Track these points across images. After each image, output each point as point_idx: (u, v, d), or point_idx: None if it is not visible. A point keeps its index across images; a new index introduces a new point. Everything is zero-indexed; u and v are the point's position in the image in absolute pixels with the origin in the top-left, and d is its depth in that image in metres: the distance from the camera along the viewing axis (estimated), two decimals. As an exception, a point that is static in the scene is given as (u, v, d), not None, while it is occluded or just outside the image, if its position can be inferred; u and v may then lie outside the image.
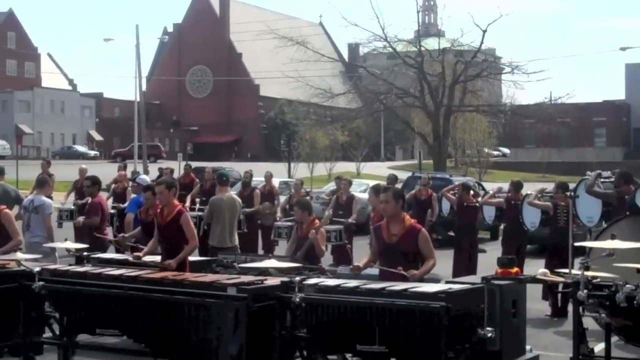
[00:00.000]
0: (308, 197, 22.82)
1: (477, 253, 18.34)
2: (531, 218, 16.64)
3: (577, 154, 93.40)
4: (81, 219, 15.96)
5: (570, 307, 14.04)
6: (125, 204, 18.22)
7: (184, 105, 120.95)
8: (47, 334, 11.09)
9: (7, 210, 12.71)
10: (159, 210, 11.64)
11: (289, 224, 19.24)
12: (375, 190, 12.17)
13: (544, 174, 78.54)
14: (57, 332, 10.95)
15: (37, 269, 10.61)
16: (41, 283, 10.40)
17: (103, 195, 16.28)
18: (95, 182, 15.45)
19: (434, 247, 10.18)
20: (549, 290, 15.11)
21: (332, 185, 33.70)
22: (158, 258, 11.76)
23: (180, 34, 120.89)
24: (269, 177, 23.49)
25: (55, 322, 10.99)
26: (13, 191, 15.84)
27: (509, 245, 16.98)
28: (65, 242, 13.11)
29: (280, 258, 12.00)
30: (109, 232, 15.72)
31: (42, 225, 14.24)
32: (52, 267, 11.18)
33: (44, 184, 15.09)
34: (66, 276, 10.72)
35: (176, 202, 11.85)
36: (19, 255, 11.23)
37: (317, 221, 13.11)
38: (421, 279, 9.79)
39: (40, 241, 13.93)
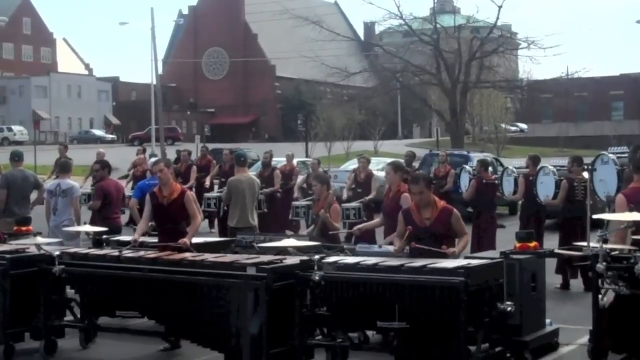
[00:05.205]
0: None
1: (495, 229, 18.31)
2: (545, 191, 16.60)
3: (594, 128, 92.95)
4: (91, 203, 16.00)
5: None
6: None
7: (200, 87, 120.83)
8: (68, 317, 11.18)
9: None
10: (157, 190, 11.54)
11: (307, 203, 19.28)
12: (395, 167, 12.03)
13: (562, 148, 78.22)
14: (78, 315, 11.03)
15: (57, 252, 10.68)
16: (61, 266, 10.46)
17: (121, 179, 16.27)
18: (104, 165, 15.40)
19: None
20: (568, 263, 15.10)
21: (350, 164, 33.77)
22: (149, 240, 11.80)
23: (196, 16, 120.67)
24: (290, 157, 23.77)
25: (76, 305, 11.07)
26: (32, 176, 15.89)
27: (527, 220, 16.95)
28: (85, 226, 13.16)
29: (299, 237, 12.02)
30: (122, 217, 15.68)
31: (70, 208, 14.32)
32: (72, 250, 11.25)
33: (69, 168, 15.23)
34: (86, 259, 10.80)
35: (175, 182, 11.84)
36: (39, 239, 11.29)
37: (329, 196, 13.07)
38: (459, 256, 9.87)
39: (68, 224, 13.99)
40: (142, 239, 11.69)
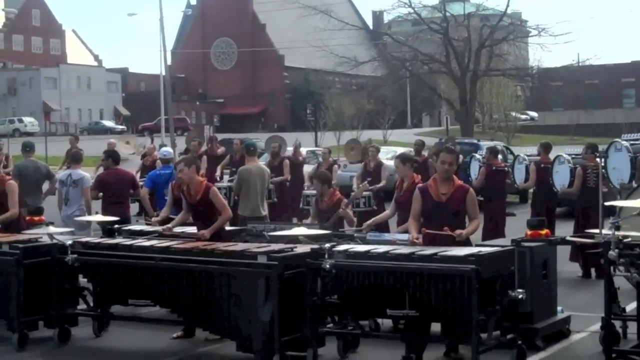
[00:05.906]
0: (336, 166, 22.85)
1: (505, 216, 18.28)
2: (561, 180, 16.58)
3: (606, 116, 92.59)
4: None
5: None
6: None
7: (209, 77, 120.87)
8: (82, 305, 11.22)
9: (12, 181, 12.61)
10: (185, 189, 11.43)
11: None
12: (403, 159, 12.04)
13: (573, 136, 78.01)
14: (91, 304, 11.08)
15: (70, 242, 10.72)
16: (74, 256, 10.51)
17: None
18: (108, 155, 15.18)
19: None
20: (580, 251, 15.07)
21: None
22: (188, 229, 11.69)
23: (204, 7, 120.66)
24: (297, 146, 23.76)
25: (88, 294, 11.12)
26: (43, 167, 15.94)
27: (539, 208, 16.92)
28: (96, 215, 13.19)
29: (309, 226, 12.02)
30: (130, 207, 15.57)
31: (81, 198, 14.33)
32: (84, 239, 11.29)
33: (80, 158, 15.23)
34: (98, 248, 10.85)
35: (200, 177, 11.71)
36: (52, 228, 11.32)
37: (337, 193, 13.20)
38: (467, 239, 9.76)
39: (79, 214, 14.01)
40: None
